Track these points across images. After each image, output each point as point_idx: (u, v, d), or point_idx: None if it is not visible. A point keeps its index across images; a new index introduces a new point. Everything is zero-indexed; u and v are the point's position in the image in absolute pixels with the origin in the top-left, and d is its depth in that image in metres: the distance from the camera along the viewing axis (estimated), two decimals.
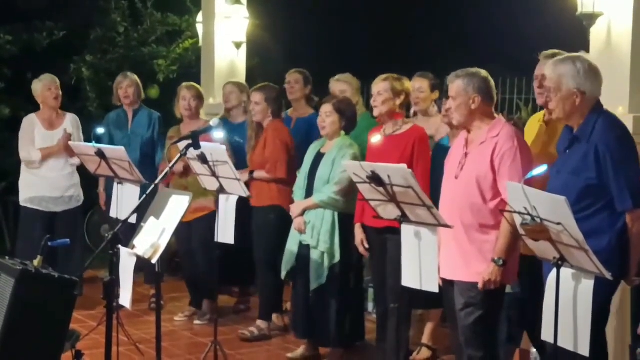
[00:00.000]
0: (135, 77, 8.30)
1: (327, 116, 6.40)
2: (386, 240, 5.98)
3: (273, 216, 6.95)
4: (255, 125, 7.19)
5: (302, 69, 7.83)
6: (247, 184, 6.80)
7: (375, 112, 6.14)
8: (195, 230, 7.43)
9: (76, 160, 7.67)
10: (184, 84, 7.80)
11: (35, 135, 7.82)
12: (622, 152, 4.48)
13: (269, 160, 6.95)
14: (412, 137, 6.00)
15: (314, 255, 6.38)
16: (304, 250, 6.45)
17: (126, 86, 8.15)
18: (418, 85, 6.52)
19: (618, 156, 4.44)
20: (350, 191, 6.26)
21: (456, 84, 5.02)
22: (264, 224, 7.04)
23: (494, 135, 4.97)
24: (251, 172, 7.07)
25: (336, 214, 6.35)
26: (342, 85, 7.07)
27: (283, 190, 6.95)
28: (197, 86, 7.87)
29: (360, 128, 6.63)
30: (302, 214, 6.43)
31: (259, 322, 7.22)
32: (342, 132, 6.44)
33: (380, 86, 6.09)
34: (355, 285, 6.63)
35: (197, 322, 7.61)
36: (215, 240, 6.45)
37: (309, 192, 6.46)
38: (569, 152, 4.63)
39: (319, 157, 6.49)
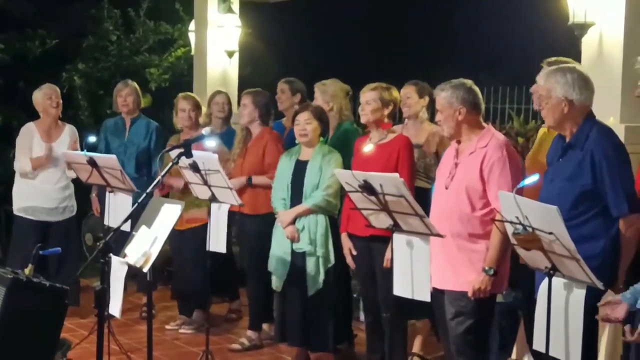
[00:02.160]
0: (135, 85, 8.23)
1: (308, 123, 6.42)
2: (372, 249, 5.98)
3: (270, 225, 6.86)
4: (245, 130, 7.17)
5: (291, 78, 7.80)
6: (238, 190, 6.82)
7: (363, 120, 6.15)
8: (187, 240, 7.39)
9: (72, 174, 7.64)
10: (181, 94, 7.73)
11: (33, 145, 7.80)
12: (617, 158, 4.52)
13: (272, 167, 6.88)
14: (396, 145, 6.03)
15: (310, 261, 6.37)
16: (296, 258, 6.44)
17: (125, 94, 8.08)
18: (404, 93, 6.53)
19: (613, 162, 4.48)
20: (339, 193, 6.29)
21: (441, 97, 5.08)
22: (259, 232, 6.92)
23: (483, 146, 4.99)
24: (249, 178, 7.03)
25: (327, 218, 6.36)
26: (316, 92, 7.02)
27: None
28: (194, 95, 7.84)
29: (343, 134, 6.67)
30: (293, 222, 6.43)
31: (249, 333, 7.20)
32: (321, 138, 6.47)
33: (368, 95, 6.11)
34: (342, 288, 6.61)
35: (182, 330, 7.57)
36: (209, 249, 6.43)
37: (293, 202, 6.44)
38: (563, 160, 4.64)
39: (300, 165, 6.48)
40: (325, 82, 7.02)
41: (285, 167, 6.55)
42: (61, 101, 7.93)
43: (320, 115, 6.48)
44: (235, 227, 7.34)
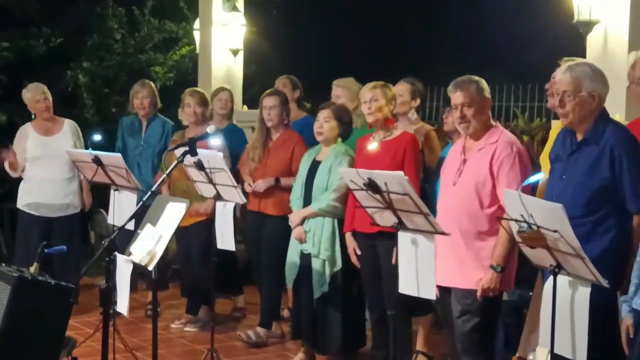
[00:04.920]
0: (152, 85, 8.13)
1: (326, 121, 6.39)
2: (378, 246, 5.99)
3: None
4: (265, 131, 7.13)
5: (290, 75, 7.79)
6: (246, 192, 6.82)
7: (370, 119, 6.11)
8: (194, 237, 7.40)
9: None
10: (188, 90, 7.70)
11: (28, 143, 7.80)
12: (636, 153, 4.48)
13: (294, 167, 6.86)
14: (402, 142, 6.02)
15: (316, 263, 6.36)
16: (305, 259, 6.44)
17: (142, 97, 7.98)
18: (397, 89, 6.50)
19: (633, 157, 4.43)
20: (347, 197, 6.28)
21: (469, 90, 5.00)
22: (283, 232, 6.81)
23: (493, 142, 4.98)
24: (277, 179, 6.98)
25: (335, 221, 6.34)
26: (338, 90, 7.00)
27: None
28: (201, 91, 7.81)
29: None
30: (302, 223, 6.43)
31: (259, 329, 7.19)
32: (339, 139, 6.44)
33: (373, 93, 6.07)
34: (358, 291, 6.59)
35: (187, 328, 7.57)
36: (217, 247, 6.42)
37: (306, 201, 6.45)
38: (576, 156, 4.58)
39: (314, 165, 6.47)
40: (346, 80, 7.02)
41: (303, 166, 6.56)
42: (50, 101, 7.87)
43: (341, 116, 6.42)
44: (247, 225, 7.32)
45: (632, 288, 4.16)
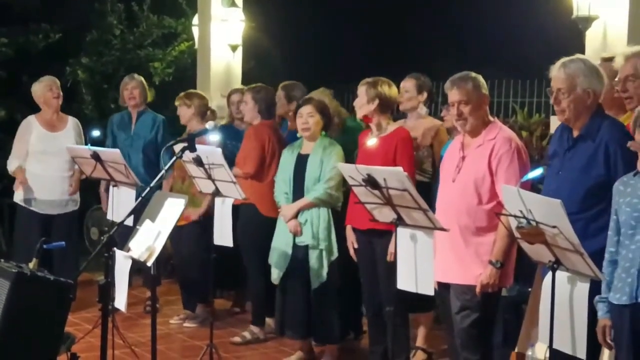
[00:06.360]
0: (142, 78, 8.25)
1: (311, 116, 6.41)
2: (372, 242, 5.99)
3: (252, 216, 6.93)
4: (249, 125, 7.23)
5: (290, 83, 7.61)
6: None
7: (357, 115, 6.25)
8: (188, 234, 7.41)
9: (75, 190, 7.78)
10: (183, 93, 7.71)
11: (32, 137, 7.79)
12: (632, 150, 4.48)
13: (241, 160, 7.01)
14: (395, 138, 6.03)
15: (313, 254, 6.36)
16: (298, 251, 6.44)
17: (131, 87, 8.11)
18: (403, 86, 6.53)
19: (628, 153, 4.44)
20: (341, 186, 6.30)
21: (465, 88, 5.00)
22: (245, 224, 7.05)
23: (491, 138, 4.99)
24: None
25: (330, 211, 6.36)
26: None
27: (257, 187, 6.96)
28: (197, 92, 7.83)
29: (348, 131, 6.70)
30: (296, 216, 6.43)
31: (252, 327, 7.20)
32: (323, 133, 6.46)
33: (359, 90, 6.13)
34: (352, 281, 6.60)
35: (186, 324, 7.59)
36: (214, 243, 6.42)
37: (296, 195, 6.45)
38: (573, 152, 4.59)
39: (301, 159, 6.48)
40: (312, 99, 6.85)
41: (287, 161, 6.56)
42: (61, 93, 7.94)
43: (323, 109, 6.48)
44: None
45: (604, 286, 4.17)
